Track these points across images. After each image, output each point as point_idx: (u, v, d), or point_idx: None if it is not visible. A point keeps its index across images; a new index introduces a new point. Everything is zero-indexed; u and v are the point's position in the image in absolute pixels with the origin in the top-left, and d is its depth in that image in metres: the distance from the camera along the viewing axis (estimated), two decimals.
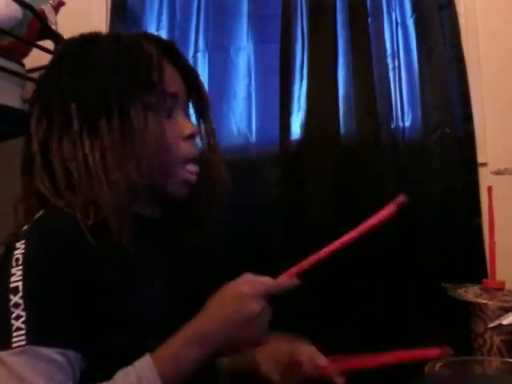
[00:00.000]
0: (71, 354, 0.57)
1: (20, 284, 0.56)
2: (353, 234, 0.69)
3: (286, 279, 0.68)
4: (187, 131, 0.72)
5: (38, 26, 1.21)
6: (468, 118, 1.31)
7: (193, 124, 0.74)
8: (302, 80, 1.38)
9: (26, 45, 1.22)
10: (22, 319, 0.55)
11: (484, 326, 0.91)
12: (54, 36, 1.24)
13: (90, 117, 0.65)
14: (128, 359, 0.59)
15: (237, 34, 1.48)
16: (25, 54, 1.23)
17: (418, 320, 1.21)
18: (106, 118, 0.65)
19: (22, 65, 1.20)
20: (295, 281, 0.68)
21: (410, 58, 1.37)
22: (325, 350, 0.76)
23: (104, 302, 0.60)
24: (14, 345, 0.54)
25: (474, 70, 1.33)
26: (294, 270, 0.70)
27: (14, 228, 0.65)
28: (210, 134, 0.78)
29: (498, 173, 1.11)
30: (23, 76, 1.18)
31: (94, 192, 0.63)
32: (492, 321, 0.88)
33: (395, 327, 1.22)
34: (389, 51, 1.37)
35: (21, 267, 0.57)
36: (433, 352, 0.65)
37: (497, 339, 0.88)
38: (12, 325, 0.55)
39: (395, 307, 1.24)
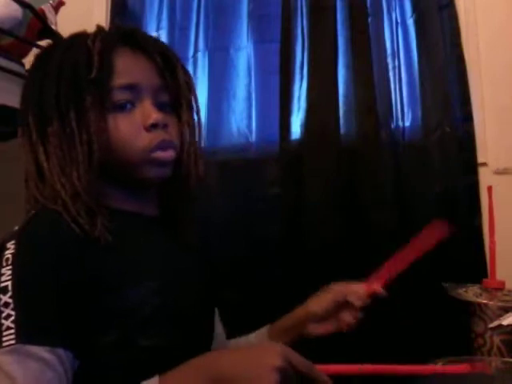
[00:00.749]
0: (61, 352, 0.57)
1: (9, 284, 0.57)
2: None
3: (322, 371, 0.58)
4: (149, 120, 0.68)
5: (38, 26, 1.22)
6: (468, 118, 1.31)
7: (159, 114, 0.69)
8: (302, 80, 1.38)
9: (26, 45, 1.22)
10: (12, 318, 0.55)
11: (484, 326, 0.91)
12: (54, 36, 1.24)
13: (40, 124, 0.68)
14: (119, 358, 0.60)
15: (237, 33, 1.48)
16: (25, 54, 1.23)
17: (418, 320, 1.22)
18: (49, 124, 0.67)
19: (22, 65, 1.20)
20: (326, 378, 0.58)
21: (410, 57, 1.37)
22: (323, 349, 0.77)
23: (94, 299, 0.60)
24: (4, 344, 0.54)
25: (474, 70, 1.33)
26: (332, 368, 0.60)
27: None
28: (186, 124, 0.75)
29: (498, 172, 1.11)
30: (23, 76, 1.18)
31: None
32: (492, 321, 0.88)
33: (395, 327, 1.22)
34: (389, 51, 1.37)
35: (10, 267, 0.58)
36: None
37: (497, 339, 0.88)
38: (2, 324, 0.55)
39: (395, 307, 1.24)
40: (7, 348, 0.54)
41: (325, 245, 1.28)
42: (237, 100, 1.44)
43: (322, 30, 1.37)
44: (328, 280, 1.25)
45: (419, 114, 1.34)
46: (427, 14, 1.34)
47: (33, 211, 0.65)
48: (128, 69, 0.69)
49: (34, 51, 1.23)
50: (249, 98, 1.44)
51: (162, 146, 0.69)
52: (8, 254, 0.59)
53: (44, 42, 1.24)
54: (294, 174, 1.35)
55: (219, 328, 0.85)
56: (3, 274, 0.57)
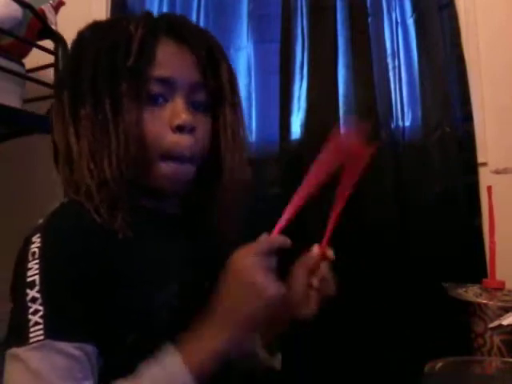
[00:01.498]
0: (89, 348, 0.56)
1: (37, 278, 0.55)
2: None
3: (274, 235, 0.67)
4: (176, 121, 0.64)
5: (38, 26, 1.21)
6: (468, 118, 1.31)
7: (188, 115, 0.65)
8: (302, 80, 1.38)
9: (26, 45, 1.22)
10: (40, 313, 0.54)
11: (484, 326, 0.91)
12: (54, 36, 1.24)
13: (74, 105, 0.64)
14: (140, 360, 0.58)
15: (237, 33, 1.48)
16: (25, 54, 1.23)
17: (418, 320, 1.22)
18: (82, 106, 0.63)
19: (22, 65, 1.20)
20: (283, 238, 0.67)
21: (409, 57, 1.37)
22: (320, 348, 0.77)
23: (118, 298, 0.59)
24: (32, 340, 0.53)
25: (474, 70, 1.33)
26: (277, 227, 0.72)
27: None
28: (227, 128, 0.70)
29: (497, 172, 1.11)
30: (23, 76, 1.18)
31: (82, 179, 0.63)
32: (492, 321, 0.88)
33: (395, 327, 1.22)
34: (389, 51, 1.37)
35: (37, 261, 0.56)
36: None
37: (497, 339, 0.88)
38: (29, 320, 0.54)
39: (395, 307, 1.24)
40: (35, 344, 0.53)
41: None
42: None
43: (321, 30, 1.37)
44: None
45: (419, 114, 1.34)
46: (427, 14, 1.34)
47: (58, 204, 0.64)
48: (167, 61, 0.65)
49: (34, 51, 1.23)
50: (249, 98, 1.44)
51: (181, 158, 0.66)
52: (34, 247, 0.57)
53: (44, 42, 1.24)
54: (293, 174, 1.34)
55: None
56: (30, 269, 0.56)
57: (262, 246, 0.65)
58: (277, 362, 0.79)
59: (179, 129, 0.64)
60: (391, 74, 1.36)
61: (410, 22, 1.37)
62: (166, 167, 0.65)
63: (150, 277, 0.63)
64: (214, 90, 0.69)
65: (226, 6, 1.48)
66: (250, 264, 0.61)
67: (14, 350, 0.54)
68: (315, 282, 0.75)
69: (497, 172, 1.10)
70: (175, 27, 0.68)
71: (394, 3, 1.39)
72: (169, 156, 0.65)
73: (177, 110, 0.65)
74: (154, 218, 0.69)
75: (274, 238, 0.69)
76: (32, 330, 0.53)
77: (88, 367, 0.56)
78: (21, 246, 0.61)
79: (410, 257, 1.26)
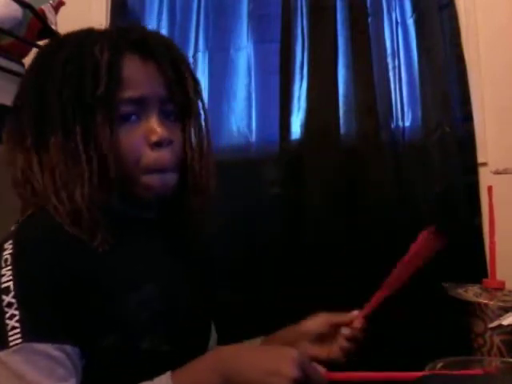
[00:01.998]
0: (69, 348, 0.57)
1: (11, 284, 0.56)
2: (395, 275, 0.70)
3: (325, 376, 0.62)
4: (153, 138, 0.64)
5: (38, 26, 1.21)
6: (468, 118, 1.32)
7: (164, 130, 0.65)
8: (302, 80, 1.38)
9: (26, 45, 1.22)
10: (16, 318, 0.55)
11: (484, 326, 0.91)
12: (54, 36, 1.24)
13: (39, 132, 0.63)
14: (119, 360, 0.60)
15: (237, 33, 1.48)
16: (25, 54, 1.23)
17: (418, 320, 1.22)
18: (52, 133, 0.62)
19: (22, 65, 1.20)
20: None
21: (409, 57, 1.37)
22: None
23: (93, 302, 0.60)
24: (11, 343, 0.54)
25: (474, 70, 1.33)
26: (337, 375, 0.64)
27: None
28: (198, 140, 0.72)
29: (497, 172, 1.11)
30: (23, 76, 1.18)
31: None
32: (492, 321, 0.88)
33: (395, 327, 1.22)
34: (389, 51, 1.37)
35: (10, 267, 0.57)
36: None
37: (497, 339, 0.88)
38: (7, 324, 0.55)
39: (395, 307, 1.24)
40: (14, 347, 0.54)
41: (325, 244, 1.28)
42: (237, 100, 1.44)
43: (322, 30, 1.37)
44: (328, 280, 1.26)
45: (419, 114, 1.34)
46: (427, 14, 1.34)
47: (29, 211, 0.65)
48: (135, 80, 0.65)
49: (34, 51, 1.23)
50: (249, 98, 1.44)
51: (163, 170, 0.66)
52: (6, 254, 0.58)
53: (44, 42, 1.24)
54: (294, 174, 1.35)
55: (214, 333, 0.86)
56: (3, 275, 0.57)
57: (317, 377, 0.60)
58: None
59: (157, 145, 0.65)
60: (391, 74, 1.36)
61: (410, 22, 1.37)
62: (150, 180, 0.66)
63: (130, 281, 0.63)
64: (182, 101, 0.70)
65: (225, 6, 1.48)
66: (293, 360, 0.56)
67: None
68: (346, 330, 0.77)
69: (497, 172, 1.10)
70: (139, 42, 0.67)
71: (393, 3, 1.39)
72: (151, 170, 0.65)
73: (152, 127, 0.65)
74: (133, 224, 0.69)
75: (324, 374, 0.62)
76: (10, 333, 0.54)
77: (70, 366, 0.56)
78: None
79: None
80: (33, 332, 0.55)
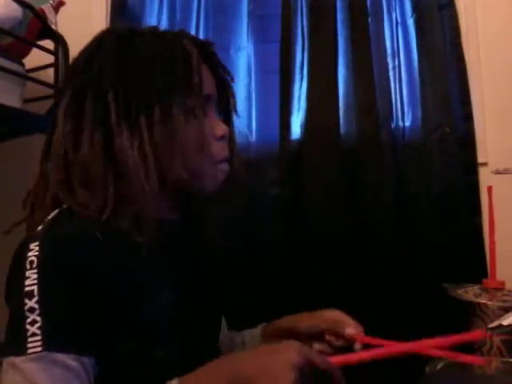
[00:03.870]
0: (86, 360, 0.56)
1: (35, 288, 0.55)
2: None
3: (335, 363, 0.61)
4: (220, 132, 0.71)
5: (38, 26, 1.21)
6: (468, 117, 1.31)
7: (224, 125, 0.73)
8: (302, 80, 1.38)
9: (26, 45, 1.22)
10: (38, 325, 0.54)
11: (484, 326, 0.91)
12: (54, 36, 1.24)
13: (129, 111, 0.63)
14: (133, 368, 0.59)
15: (237, 33, 1.47)
16: (25, 54, 1.23)
17: (418, 320, 1.22)
18: (145, 114, 0.63)
19: (22, 65, 1.20)
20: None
21: (410, 57, 1.37)
22: None
23: (112, 309, 0.59)
24: (30, 351, 0.53)
25: (474, 70, 1.33)
26: (342, 359, 0.63)
27: (28, 226, 0.65)
28: (234, 137, 0.78)
29: (497, 172, 1.11)
30: (23, 76, 1.18)
31: (122, 188, 0.63)
32: (492, 321, 0.88)
33: (394, 327, 1.22)
34: (389, 51, 1.37)
35: (35, 270, 0.56)
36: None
37: (497, 339, 0.88)
38: (27, 330, 0.54)
39: (395, 307, 1.24)
40: (33, 355, 0.53)
41: (325, 244, 1.28)
42: (237, 100, 1.44)
43: (322, 29, 1.37)
44: (328, 279, 1.26)
45: (419, 114, 1.34)
46: (427, 14, 1.34)
47: (55, 210, 0.63)
48: (206, 79, 0.70)
49: (34, 51, 1.23)
50: (249, 98, 1.44)
51: (226, 159, 0.73)
52: (32, 255, 0.57)
53: (44, 42, 1.24)
54: (294, 174, 1.34)
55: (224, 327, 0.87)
56: (28, 278, 0.56)
57: (323, 364, 0.58)
58: None
59: (222, 138, 0.72)
60: (391, 73, 1.36)
61: (410, 22, 1.37)
62: (220, 168, 0.71)
63: (147, 288, 0.63)
64: (227, 105, 0.78)
65: (226, 6, 1.48)
66: (295, 361, 0.55)
67: (13, 359, 0.54)
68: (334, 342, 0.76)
69: (497, 172, 1.10)
70: (207, 49, 0.75)
71: (393, 3, 1.39)
72: (220, 161, 0.71)
73: (216, 122, 0.72)
74: (158, 228, 0.67)
75: (335, 368, 0.60)
76: (30, 340, 0.54)
77: (84, 378, 0.56)
78: (16, 250, 0.60)
79: (410, 257, 1.26)
80: (54, 341, 0.54)
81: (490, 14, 1.35)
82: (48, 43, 1.24)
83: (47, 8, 1.25)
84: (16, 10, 1.15)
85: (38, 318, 0.54)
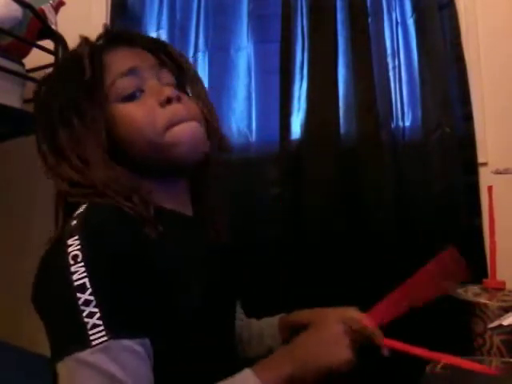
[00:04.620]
0: (147, 342, 0.56)
1: (86, 281, 0.55)
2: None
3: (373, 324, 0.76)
4: (161, 97, 0.69)
5: (38, 26, 1.22)
6: (468, 117, 1.31)
7: (169, 88, 0.71)
8: (302, 80, 1.38)
9: (26, 45, 1.22)
10: (97, 315, 0.53)
11: (484, 325, 0.91)
12: (54, 36, 1.24)
13: (65, 117, 0.69)
14: (171, 358, 0.60)
15: (237, 33, 1.47)
16: (25, 54, 1.23)
17: (418, 320, 1.21)
18: (56, 137, 0.69)
19: (22, 65, 1.20)
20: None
21: (410, 57, 1.37)
22: None
23: (157, 292, 0.60)
24: (95, 342, 0.52)
25: (474, 70, 1.33)
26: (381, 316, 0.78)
27: (58, 226, 0.66)
28: (200, 96, 0.76)
29: (498, 172, 1.11)
30: (23, 76, 1.18)
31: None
32: (492, 321, 0.88)
33: (394, 327, 1.22)
34: (389, 51, 1.37)
35: (82, 263, 0.55)
36: None
37: (497, 339, 0.88)
38: (86, 323, 0.53)
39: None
40: (100, 346, 0.52)
41: (325, 244, 1.28)
42: (237, 100, 1.44)
43: (322, 29, 1.37)
44: (328, 279, 1.26)
45: (419, 113, 1.34)
46: (427, 14, 1.34)
47: (83, 205, 0.64)
48: (123, 58, 0.71)
49: (34, 51, 1.23)
50: (249, 98, 1.44)
51: (183, 119, 0.69)
52: (74, 250, 0.56)
53: (44, 42, 1.24)
54: (293, 174, 1.34)
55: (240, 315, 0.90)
56: (75, 272, 0.55)
57: (360, 325, 0.75)
58: None
59: (167, 101, 0.69)
60: (391, 73, 1.36)
61: (410, 22, 1.37)
62: (173, 133, 0.68)
63: (178, 279, 0.64)
64: (175, 68, 0.76)
65: (225, 6, 1.48)
66: (342, 329, 0.71)
67: (77, 355, 0.53)
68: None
69: (497, 172, 1.10)
70: (119, 37, 0.75)
71: (393, 3, 1.39)
72: (171, 125, 0.69)
73: (156, 88, 0.70)
74: (178, 220, 0.71)
75: (374, 328, 0.77)
76: (92, 332, 0.53)
77: (148, 361, 0.56)
78: (49, 250, 0.60)
79: (410, 257, 1.26)
80: (117, 329, 0.54)
81: (489, 14, 1.35)
82: (48, 43, 1.24)
83: (47, 8, 1.25)
84: (16, 10, 1.15)
85: (96, 310, 0.54)
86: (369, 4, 1.36)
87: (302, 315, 0.83)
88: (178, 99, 0.70)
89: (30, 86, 1.21)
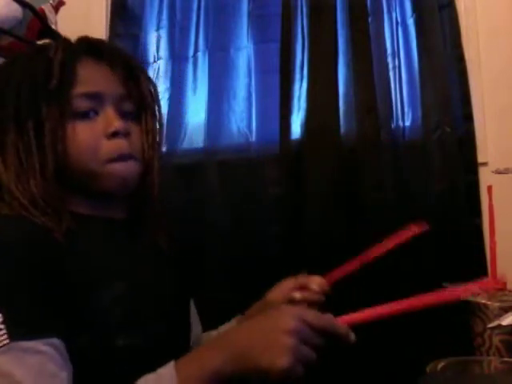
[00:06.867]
0: (56, 341, 0.56)
1: None
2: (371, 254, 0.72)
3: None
4: (110, 128, 0.69)
5: (38, 26, 1.21)
6: (468, 117, 1.32)
7: (121, 122, 0.70)
8: (302, 80, 1.38)
9: (26, 45, 1.22)
10: (0, 320, 0.54)
11: (483, 325, 0.91)
12: (54, 36, 1.24)
13: (20, 125, 0.67)
14: (97, 357, 0.60)
15: (237, 33, 1.48)
16: None
17: (418, 320, 1.22)
18: (6, 134, 0.67)
19: None
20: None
21: (410, 57, 1.37)
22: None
23: (67, 300, 0.60)
24: None
25: (474, 70, 1.33)
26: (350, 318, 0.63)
27: None
28: (149, 133, 0.75)
29: (498, 172, 1.11)
30: None
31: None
32: (492, 321, 0.88)
33: (396, 327, 1.22)
34: (389, 51, 1.37)
35: None
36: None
37: (496, 339, 0.88)
38: None
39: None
40: (2, 348, 0.53)
41: (325, 244, 1.28)
42: (237, 100, 1.44)
43: (322, 29, 1.37)
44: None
45: (419, 113, 1.34)
46: (427, 14, 1.34)
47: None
48: (90, 78, 0.70)
49: None
50: (249, 98, 1.44)
51: (123, 157, 0.70)
52: None
53: (44, 42, 1.24)
54: (293, 174, 1.35)
55: (197, 327, 0.87)
56: None
57: (320, 321, 0.56)
58: None
59: (114, 135, 0.69)
60: (391, 73, 1.36)
61: (410, 22, 1.37)
62: (112, 168, 0.69)
63: (101, 279, 0.64)
64: (138, 100, 0.74)
65: (225, 6, 1.48)
66: (293, 326, 0.53)
67: None
68: (297, 294, 0.79)
69: (497, 172, 1.10)
70: (93, 47, 0.72)
71: (394, 3, 1.39)
72: (111, 160, 0.69)
73: (109, 119, 0.70)
74: (100, 225, 0.71)
75: (340, 326, 0.58)
76: None
77: (59, 360, 0.56)
78: None
79: (411, 257, 1.26)
80: (19, 330, 0.55)
81: (490, 14, 1.35)
82: None
83: (47, 8, 1.25)
84: (16, 10, 1.15)
85: None
86: (369, 4, 1.37)
87: (255, 307, 0.84)
88: (126, 135, 0.70)
89: None
